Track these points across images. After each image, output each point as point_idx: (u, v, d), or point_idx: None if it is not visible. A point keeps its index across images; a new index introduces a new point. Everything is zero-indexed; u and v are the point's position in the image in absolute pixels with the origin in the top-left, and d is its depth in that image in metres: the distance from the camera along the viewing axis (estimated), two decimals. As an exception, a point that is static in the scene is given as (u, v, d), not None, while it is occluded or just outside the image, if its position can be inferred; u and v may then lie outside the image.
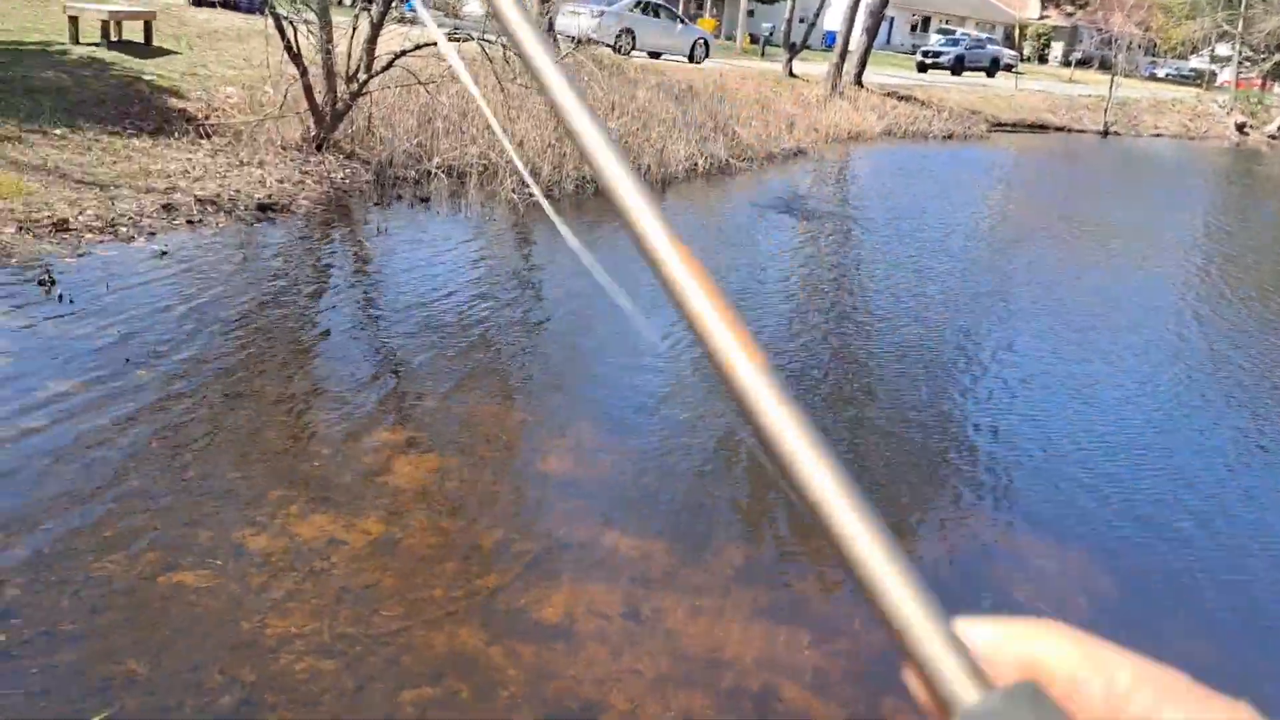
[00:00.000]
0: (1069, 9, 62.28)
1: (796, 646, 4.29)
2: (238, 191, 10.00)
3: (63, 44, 13.12)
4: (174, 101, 12.08)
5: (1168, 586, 5.23)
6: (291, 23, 11.03)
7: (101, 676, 3.56)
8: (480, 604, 4.30)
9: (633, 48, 24.88)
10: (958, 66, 40.78)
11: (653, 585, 4.62)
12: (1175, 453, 7.06)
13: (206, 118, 11.70)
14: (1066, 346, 9.38)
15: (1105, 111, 34.90)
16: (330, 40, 11.32)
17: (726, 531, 5.23)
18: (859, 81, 27.51)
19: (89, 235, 8.12)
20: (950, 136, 26.93)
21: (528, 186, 12.01)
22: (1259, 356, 9.88)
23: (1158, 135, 37.01)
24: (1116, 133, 34.87)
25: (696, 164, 15.53)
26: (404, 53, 11.49)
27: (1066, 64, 56.04)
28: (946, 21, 57.49)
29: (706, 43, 27.81)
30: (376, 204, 11.13)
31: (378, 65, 11.66)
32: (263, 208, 9.88)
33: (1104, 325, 10.31)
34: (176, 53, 14.20)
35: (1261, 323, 11.29)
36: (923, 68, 39.98)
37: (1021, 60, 52.36)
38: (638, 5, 26.10)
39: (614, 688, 3.89)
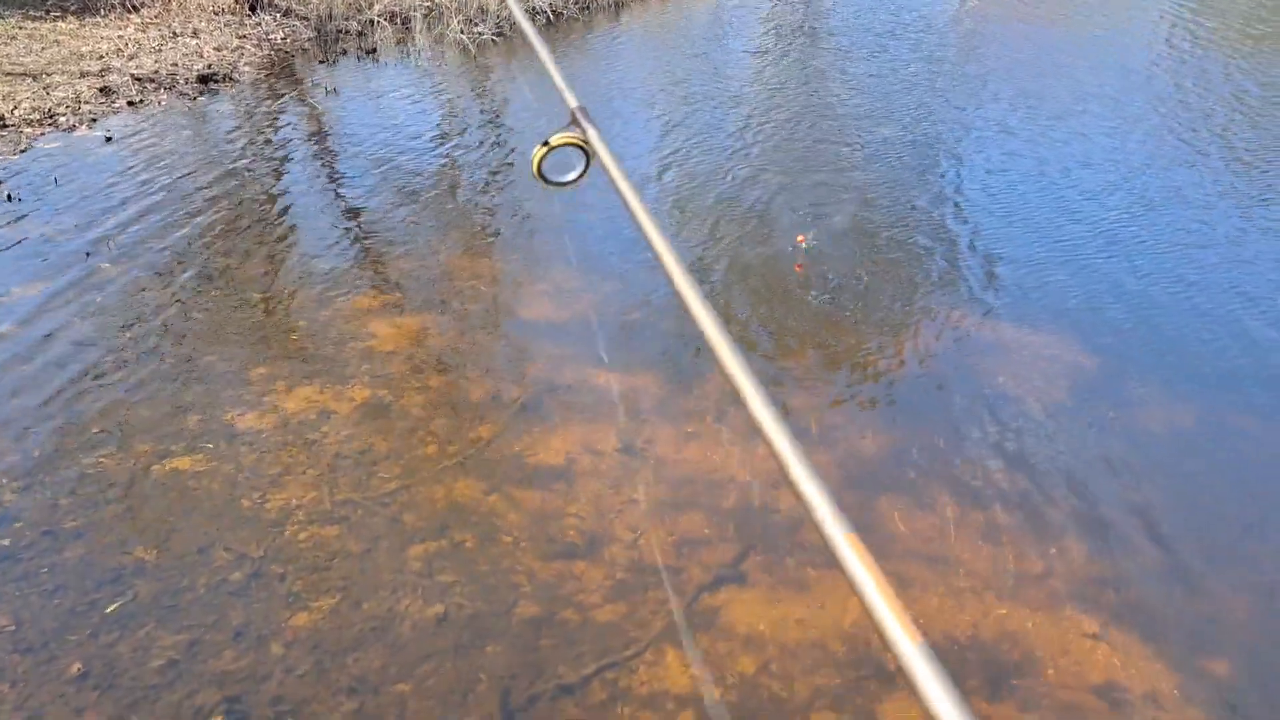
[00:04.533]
0: None
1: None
2: (175, 65, 9.58)
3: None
4: (93, -25, 11.41)
5: (1148, 358, 5.27)
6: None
7: (110, 568, 3.61)
8: (475, 456, 4.33)
9: None
10: None
11: (645, 417, 4.66)
12: (1153, 230, 7.00)
13: (130, -11, 11.08)
14: (1039, 130, 9.17)
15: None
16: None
17: (714, 357, 5.23)
18: None
19: (28, 129, 7.82)
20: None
21: (477, 25, 11.51)
22: (1244, 127, 9.68)
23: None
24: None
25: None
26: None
27: None
28: None
29: None
30: (322, 62, 10.68)
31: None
32: (204, 79, 9.48)
33: (1073, 105, 10.06)
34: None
35: (1245, 89, 11.01)
36: None
37: None
38: None
39: (615, 519, 3.96)
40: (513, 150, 8.55)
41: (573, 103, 1.23)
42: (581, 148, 1.19)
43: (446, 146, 8.48)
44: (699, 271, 6.15)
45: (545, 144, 1.20)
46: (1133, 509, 4.06)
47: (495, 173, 8.00)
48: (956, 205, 7.34)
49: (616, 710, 3.10)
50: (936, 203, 7.38)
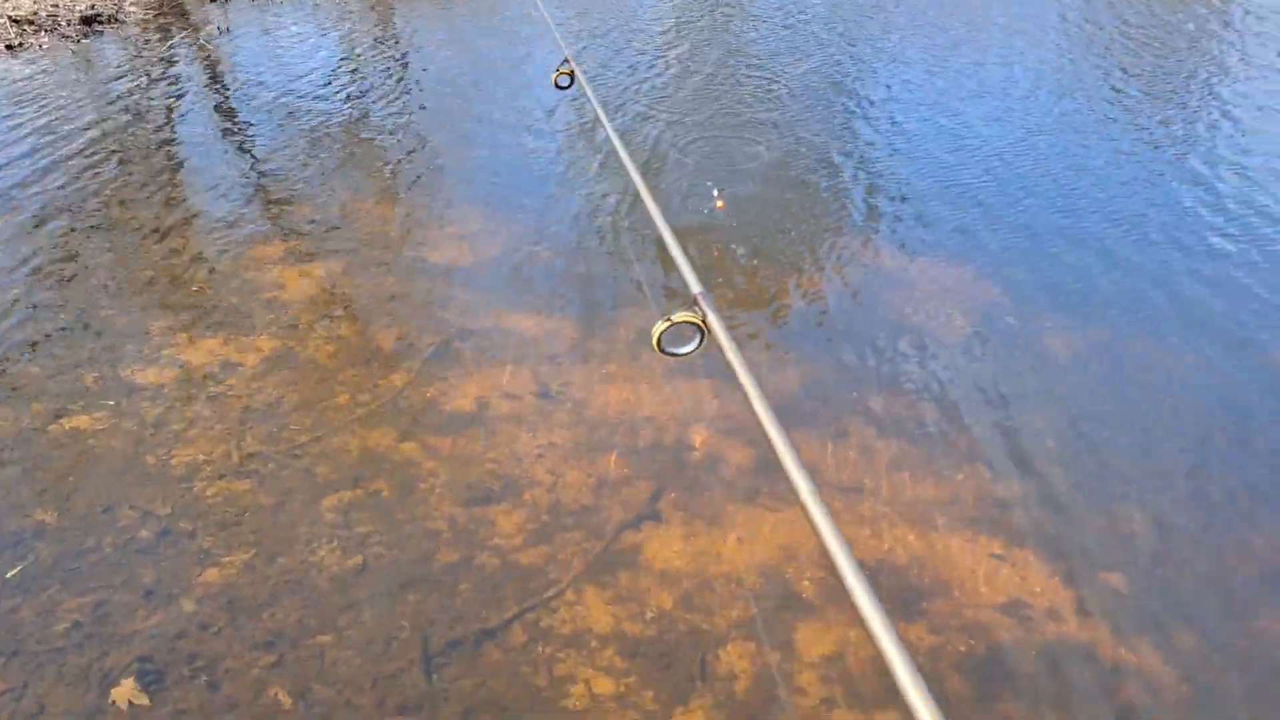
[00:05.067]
0: None
1: (704, 397, 4.38)
2: (56, 6, 9.08)
3: None
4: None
5: (1043, 285, 5.41)
6: None
7: (9, 532, 3.49)
8: (388, 404, 4.27)
9: None
10: None
11: (560, 360, 4.64)
12: (1052, 160, 7.16)
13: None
14: (944, 68, 9.28)
15: None
16: None
17: (627, 298, 5.22)
18: None
19: (-105, 75, 7.35)
20: None
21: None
22: (1139, 59, 9.91)
23: None
24: None
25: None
26: None
27: None
28: None
29: None
30: (213, 0, 10.22)
31: None
32: (87, 20, 9.02)
33: (974, 41, 10.19)
34: None
35: (1127, 19, 11.25)
36: None
37: None
38: None
39: (534, 463, 3.95)
40: (420, 94, 8.33)
41: (695, 288, 1.43)
42: (699, 326, 1.39)
43: (348, 86, 8.23)
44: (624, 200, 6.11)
45: (667, 319, 1.39)
46: (1034, 433, 4.19)
47: (400, 113, 7.80)
48: (864, 144, 7.40)
49: (539, 651, 3.12)
50: (839, 138, 7.43)
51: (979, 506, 3.79)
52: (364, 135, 7.29)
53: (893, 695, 2.93)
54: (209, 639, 3.13)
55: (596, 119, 7.61)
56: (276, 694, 2.95)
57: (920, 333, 4.90)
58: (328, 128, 7.32)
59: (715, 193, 3.67)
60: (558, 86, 3.31)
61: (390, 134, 7.37)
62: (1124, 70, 9.25)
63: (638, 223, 5.99)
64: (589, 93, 2.94)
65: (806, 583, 3.42)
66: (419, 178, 6.69)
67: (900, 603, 3.35)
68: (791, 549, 3.55)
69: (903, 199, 6.40)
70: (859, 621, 0.75)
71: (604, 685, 3.02)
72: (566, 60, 3.27)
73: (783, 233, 5.89)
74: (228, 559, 3.42)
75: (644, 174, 6.63)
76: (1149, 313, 5.16)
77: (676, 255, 1.60)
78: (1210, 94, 8.70)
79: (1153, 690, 3.06)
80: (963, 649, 3.19)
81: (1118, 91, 8.69)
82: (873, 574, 3.46)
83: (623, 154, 2.05)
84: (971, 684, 3.07)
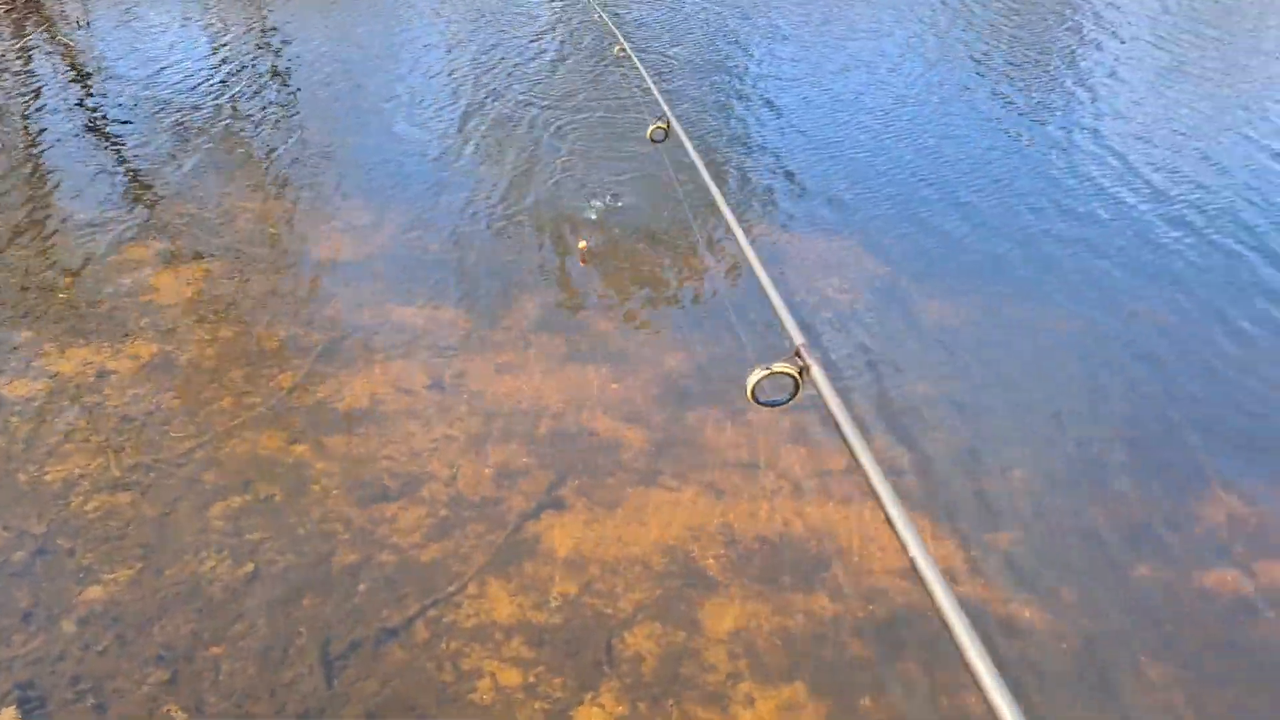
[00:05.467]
0: None
1: (602, 383, 4.38)
2: (-107, 0, 8.52)
3: None
4: None
5: (925, 252, 5.56)
6: None
7: None
8: (276, 406, 4.15)
9: None
10: None
11: (452, 352, 4.57)
12: (919, 130, 7.35)
13: None
14: (816, 43, 9.44)
15: None
16: None
17: (518, 286, 5.18)
18: None
19: None
20: None
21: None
22: (1001, 31, 10.24)
23: None
24: None
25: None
26: None
27: None
28: None
29: None
30: (70, -8, 9.75)
31: None
32: (-71, 15, 8.49)
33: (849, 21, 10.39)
34: None
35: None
36: None
37: None
38: None
39: (430, 457, 3.89)
40: (299, 85, 8.09)
41: (798, 340, 1.44)
42: (795, 378, 1.39)
43: (217, 77, 7.94)
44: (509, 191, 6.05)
45: (766, 369, 1.39)
46: (924, 399, 4.31)
47: (274, 104, 7.56)
48: (735, 120, 7.48)
49: (443, 647, 3.08)
50: (714, 113, 7.49)
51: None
52: (236, 127, 7.05)
53: (799, 666, 2.98)
54: (94, 659, 2.99)
55: (481, 105, 7.52)
56: (170, 710, 2.85)
57: (807, 305, 4.98)
58: (197, 121, 7.06)
59: (580, 244, 3.65)
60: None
61: (264, 125, 7.15)
62: (987, 42, 9.55)
63: (519, 211, 5.94)
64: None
65: (710, 560, 3.45)
66: (297, 170, 6.50)
67: (800, 574, 3.41)
68: (695, 528, 3.58)
69: (776, 173, 6.49)
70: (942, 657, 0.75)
71: (511, 677, 3.00)
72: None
73: (654, 212, 5.91)
74: (110, 575, 3.28)
75: (529, 165, 6.52)
76: (1015, 275, 5.34)
77: (778, 305, 1.62)
78: (1068, 63, 9.07)
79: (1039, 642, 3.18)
80: (862, 615, 3.26)
81: (980, 62, 8.97)
82: (774, 549, 3.51)
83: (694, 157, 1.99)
84: (873, 647, 3.15)
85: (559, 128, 7.15)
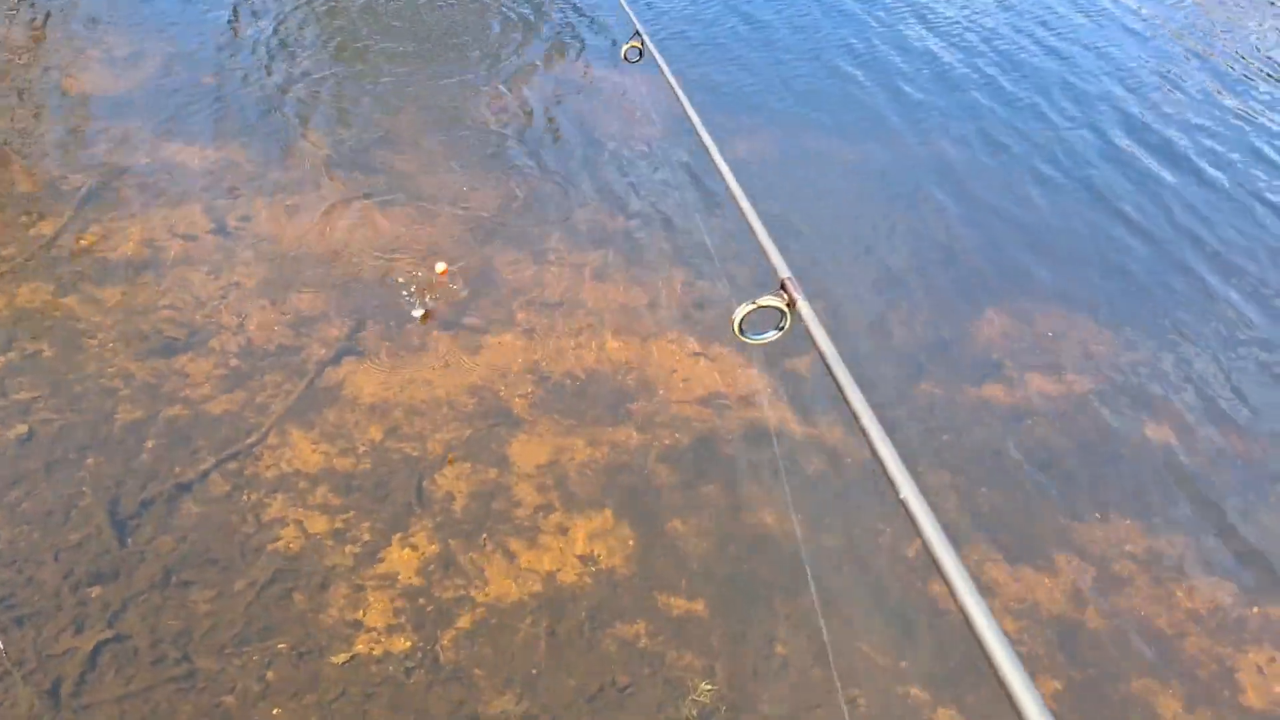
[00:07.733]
0: None
1: (403, 221, 4.21)
2: None
3: None
4: None
5: (732, 90, 5.57)
6: None
7: None
8: (39, 256, 3.79)
9: None
10: None
11: (236, 193, 4.27)
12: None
13: None
14: None
15: None
16: None
17: (306, 122, 4.85)
18: None
19: None
20: None
21: None
22: None
23: None
24: None
25: None
26: None
27: None
28: None
29: None
30: None
31: None
32: None
33: None
34: None
35: None
36: None
37: None
38: None
39: (218, 306, 3.67)
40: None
41: (784, 273, 1.36)
42: (783, 311, 1.33)
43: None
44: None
45: (752, 303, 1.32)
46: (726, 234, 4.37)
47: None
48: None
49: (243, 498, 2.98)
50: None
51: (677, 309, 3.94)
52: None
53: (608, 494, 3.04)
54: None
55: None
56: (-59, 584, 2.66)
57: (619, 145, 4.91)
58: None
59: (439, 268, 3.50)
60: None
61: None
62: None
63: (316, 37, 5.52)
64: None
65: (518, 399, 3.45)
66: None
67: (609, 406, 3.46)
68: (501, 368, 3.56)
69: (592, 21, 6.28)
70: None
71: (318, 524, 2.94)
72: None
73: (484, 43, 5.62)
74: None
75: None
76: (828, 112, 5.43)
77: (764, 241, 1.53)
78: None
79: (827, 457, 3.38)
80: (668, 442, 3.36)
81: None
82: (583, 385, 3.54)
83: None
84: (678, 473, 3.26)
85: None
